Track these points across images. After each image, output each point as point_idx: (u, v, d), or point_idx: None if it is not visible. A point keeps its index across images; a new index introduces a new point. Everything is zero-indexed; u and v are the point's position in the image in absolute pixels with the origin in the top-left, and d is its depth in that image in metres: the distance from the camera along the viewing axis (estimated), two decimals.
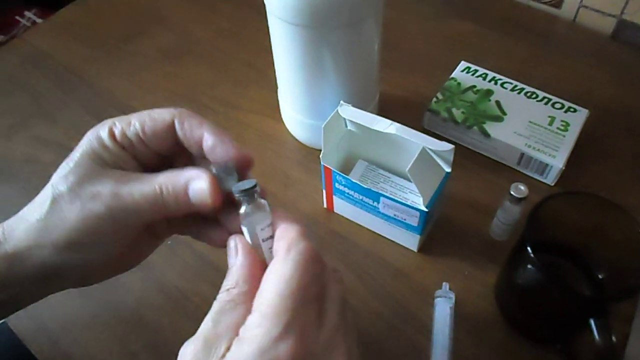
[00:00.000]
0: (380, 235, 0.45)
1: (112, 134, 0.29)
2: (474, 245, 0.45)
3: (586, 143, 0.51)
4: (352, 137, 0.44)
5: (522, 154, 0.47)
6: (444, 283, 0.41)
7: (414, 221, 0.40)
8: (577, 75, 0.58)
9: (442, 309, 0.40)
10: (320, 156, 0.41)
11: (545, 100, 0.50)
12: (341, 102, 0.41)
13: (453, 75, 0.53)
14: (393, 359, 0.39)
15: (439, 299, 0.40)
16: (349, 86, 0.44)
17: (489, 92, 0.51)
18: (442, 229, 0.45)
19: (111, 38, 0.63)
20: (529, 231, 0.34)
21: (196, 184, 0.28)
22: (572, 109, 0.50)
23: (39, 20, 0.91)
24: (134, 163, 0.30)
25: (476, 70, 0.53)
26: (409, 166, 0.37)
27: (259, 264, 0.27)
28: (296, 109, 0.48)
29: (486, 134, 0.48)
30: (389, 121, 0.39)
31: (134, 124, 0.29)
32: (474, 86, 0.52)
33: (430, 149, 0.39)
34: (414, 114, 0.52)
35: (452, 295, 0.40)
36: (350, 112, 0.40)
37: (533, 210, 0.35)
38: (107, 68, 0.60)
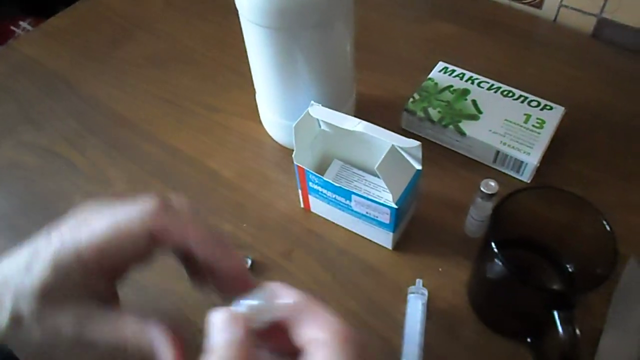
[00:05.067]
0: (355, 233, 0.45)
1: (80, 265, 0.26)
2: (449, 242, 0.45)
3: (564, 141, 0.51)
4: (326, 137, 0.44)
5: (498, 152, 0.48)
6: (417, 280, 0.42)
7: (386, 218, 0.41)
8: (557, 74, 0.58)
9: (414, 305, 0.40)
10: (293, 155, 0.42)
11: (522, 98, 0.51)
12: (312, 102, 0.41)
13: (430, 75, 0.53)
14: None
15: (411, 295, 0.41)
16: (322, 87, 0.45)
17: (466, 92, 0.51)
18: (417, 226, 0.46)
19: (99, 45, 0.64)
20: (493, 226, 0.35)
21: (163, 351, 0.26)
22: (548, 107, 0.50)
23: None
24: (102, 281, 0.28)
25: (453, 71, 0.54)
26: (378, 164, 0.38)
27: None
28: (272, 110, 0.48)
29: (462, 133, 0.48)
30: (357, 120, 0.40)
31: (103, 249, 0.26)
32: (451, 86, 0.52)
33: (400, 147, 0.39)
34: (393, 114, 0.53)
35: (425, 292, 0.41)
36: (320, 112, 0.41)
37: (497, 206, 0.36)
38: (93, 74, 0.61)
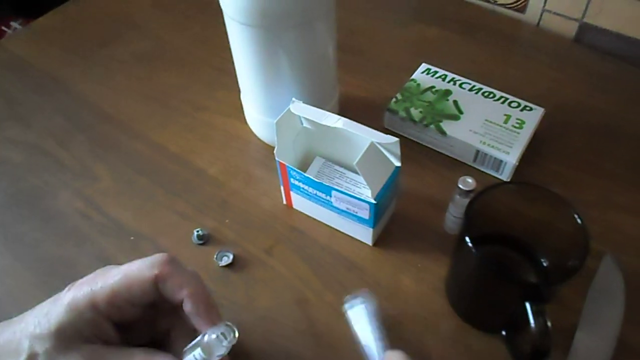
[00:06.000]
0: (336, 230, 0.46)
1: (93, 307, 0.30)
2: (429, 239, 0.46)
3: (544, 141, 0.52)
4: (308, 135, 0.45)
5: (478, 151, 0.48)
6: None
7: (365, 214, 0.41)
8: (539, 77, 0.59)
9: (355, 315, 0.36)
10: (275, 152, 0.42)
11: (502, 99, 0.52)
12: (293, 99, 0.42)
13: (413, 76, 0.54)
14: (343, 348, 0.40)
15: (350, 310, 0.36)
16: (304, 85, 0.46)
17: (448, 92, 0.52)
18: (398, 223, 0.47)
19: (87, 44, 0.65)
20: (467, 221, 0.35)
21: None
22: (528, 108, 0.51)
23: None
24: (111, 326, 0.31)
25: (436, 72, 0.55)
26: (357, 160, 0.38)
27: None
28: (256, 108, 0.49)
29: (443, 132, 0.49)
30: (337, 116, 0.41)
31: (115, 291, 0.30)
32: (433, 87, 0.53)
33: (379, 144, 0.40)
34: (376, 114, 0.54)
35: (366, 300, 0.36)
36: (301, 109, 0.42)
37: (471, 201, 0.36)
38: (82, 72, 0.61)
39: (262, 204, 0.48)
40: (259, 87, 0.46)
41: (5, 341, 0.30)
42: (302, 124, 0.44)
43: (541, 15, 0.66)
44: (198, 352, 0.30)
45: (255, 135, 0.53)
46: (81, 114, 0.57)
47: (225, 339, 0.30)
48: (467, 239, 0.34)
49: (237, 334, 0.31)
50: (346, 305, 0.36)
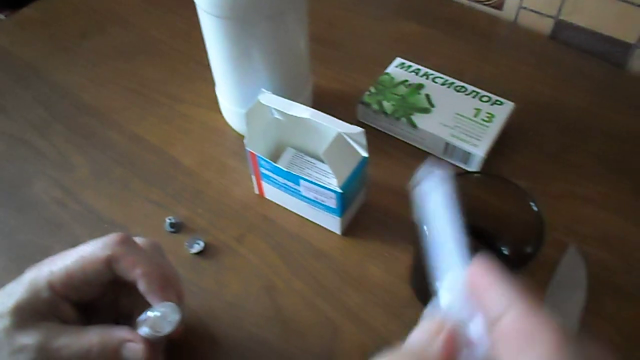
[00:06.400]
0: (306, 219, 0.47)
1: (51, 287, 0.31)
2: (398, 229, 0.47)
3: (514, 135, 0.53)
4: (279, 125, 0.46)
5: (447, 144, 0.49)
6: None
7: (332, 203, 0.42)
8: (513, 72, 0.60)
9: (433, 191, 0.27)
10: (245, 141, 0.43)
11: (474, 93, 0.53)
12: (262, 89, 0.43)
13: (387, 70, 0.55)
14: (309, 334, 0.41)
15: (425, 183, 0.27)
16: (275, 77, 0.47)
17: (420, 86, 0.53)
18: (367, 214, 0.48)
19: (70, 36, 0.66)
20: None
21: (131, 347, 0.31)
22: (498, 102, 0.52)
23: None
24: (70, 306, 0.32)
25: (410, 66, 0.55)
26: (324, 150, 0.39)
27: None
28: (229, 99, 0.50)
29: (413, 125, 0.50)
30: (305, 107, 0.42)
31: (70, 272, 0.31)
32: (406, 80, 0.54)
33: (345, 134, 0.41)
34: (350, 106, 0.55)
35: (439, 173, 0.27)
36: (270, 99, 0.43)
37: None
38: (63, 64, 0.62)
39: (234, 194, 0.49)
40: (232, 78, 0.47)
41: None
42: (273, 114, 0.45)
43: (518, 12, 0.66)
44: (142, 328, 0.31)
45: (230, 127, 0.54)
46: (61, 104, 0.58)
47: (166, 318, 0.31)
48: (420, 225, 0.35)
49: (179, 315, 0.31)
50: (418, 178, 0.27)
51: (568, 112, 0.56)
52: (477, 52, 0.63)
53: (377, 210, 0.48)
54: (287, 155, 0.47)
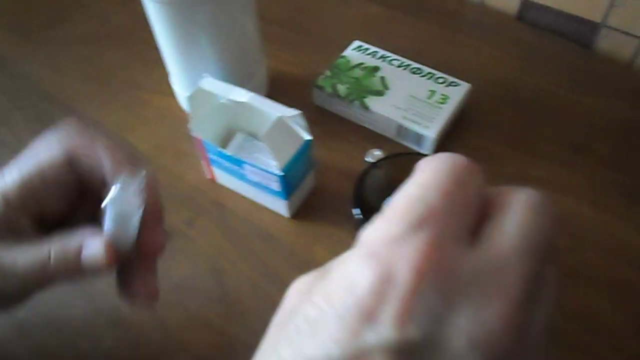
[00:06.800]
0: (257, 203, 0.47)
1: (4, 200, 0.26)
2: (347, 211, 0.47)
3: (472, 116, 0.53)
4: (227, 110, 0.46)
5: (400, 126, 0.49)
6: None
7: (276, 186, 0.43)
8: (476, 54, 0.60)
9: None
10: (189, 126, 0.44)
11: (429, 75, 0.52)
12: (204, 74, 0.43)
13: (344, 53, 0.55)
14: (253, 315, 0.41)
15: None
16: (223, 61, 0.47)
17: (376, 69, 0.53)
18: (318, 196, 0.48)
19: (34, 25, 0.66)
20: (355, 193, 0.37)
21: (90, 246, 0.26)
22: (454, 84, 0.52)
23: None
24: (30, 222, 0.27)
25: (367, 49, 0.55)
26: (264, 133, 0.39)
27: None
28: (181, 85, 0.50)
29: (366, 108, 0.50)
30: (244, 91, 0.42)
31: (25, 181, 0.26)
32: (362, 63, 0.54)
33: (287, 118, 0.41)
34: (307, 90, 0.55)
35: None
36: (210, 84, 0.43)
37: (360, 175, 0.37)
38: (27, 53, 0.63)
39: (187, 179, 0.50)
40: (180, 64, 0.47)
41: None
42: (219, 99, 0.45)
43: None
44: (105, 223, 0.26)
45: (186, 112, 0.54)
46: (22, 93, 0.58)
47: (132, 205, 0.26)
48: (354, 211, 0.36)
49: (145, 173, 0.27)
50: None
51: (528, 93, 0.56)
52: (442, 33, 0.62)
53: (328, 193, 0.48)
54: (237, 139, 0.47)
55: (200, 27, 0.43)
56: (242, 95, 0.41)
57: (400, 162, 0.39)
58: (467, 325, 0.15)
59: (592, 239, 0.45)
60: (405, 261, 0.16)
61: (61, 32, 0.65)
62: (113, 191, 0.26)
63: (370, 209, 0.36)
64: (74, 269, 0.26)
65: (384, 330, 0.15)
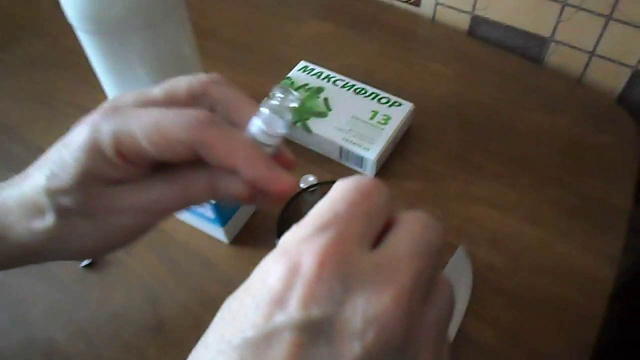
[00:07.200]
0: (196, 229, 0.47)
1: (119, 154, 0.25)
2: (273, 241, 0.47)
3: (416, 136, 0.53)
4: None
5: (341, 148, 0.49)
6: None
7: (210, 214, 0.42)
8: (424, 72, 0.60)
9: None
10: None
11: (373, 95, 0.53)
12: None
13: (289, 74, 0.55)
14: (191, 343, 0.41)
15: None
16: None
17: (320, 90, 0.53)
18: (260, 221, 0.48)
19: None
20: (279, 225, 0.36)
21: (231, 187, 0.26)
22: (397, 104, 0.52)
23: None
24: (144, 173, 0.27)
25: (313, 70, 0.55)
26: None
27: None
28: None
29: (309, 130, 0.50)
30: None
31: (141, 147, 0.25)
32: (307, 84, 0.54)
33: None
34: None
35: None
36: None
37: (285, 205, 0.37)
38: None
39: None
40: (117, 91, 0.47)
41: (16, 202, 0.27)
42: None
43: (435, 8, 0.66)
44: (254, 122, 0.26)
45: None
46: None
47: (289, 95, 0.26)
48: (277, 242, 0.35)
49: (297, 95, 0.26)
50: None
51: (475, 111, 0.56)
52: (391, 51, 0.63)
53: (268, 217, 0.48)
54: None
55: (133, 54, 0.43)
56: None
57: (321, 192, 0.39)
58: (362, 306, 0.18)
59: (531, 259, 0.45)
60: (310, 254, 0.19)
61: (11, 54, 0.64)
62: (274, 99, 0.26)
63: None
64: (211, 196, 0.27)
65: (292, 312, 0.18)
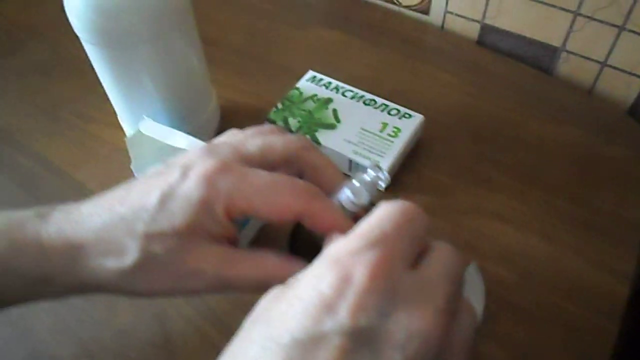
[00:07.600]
0: None
1: (227, 213, 0.26)
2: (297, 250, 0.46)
3: (427, 148, 0.53)
4: (170, 151, 0.45)
5: (351, 161, 0.49)
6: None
7: None
8: (434, 81, 0.59)
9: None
10: (132, 166, 0.43)
11: (383, 107, 0.52)
12: (143, 116, 0.42)
13: (298, 84, 0.54)
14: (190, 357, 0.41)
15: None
16: (169, 98, 0.46)
17: (328, 101, 0.52)
18: (270, 233, 0.47)
19: None
20: (290, 242, 0.36)
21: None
22: (407, 115, 0.51)
23: None
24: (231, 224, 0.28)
25: (321, 79, 0.54)
26: None
27: None
28: (127, 122, 0.49)
29: (317, 142, 0.49)
30: (184, 135, 0.41)
31: (252, 210, 0.26)
32: (315, 95, 0.53)
33: None
34: (260, 123, 0.53)
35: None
36: (149, 127, 0.42)
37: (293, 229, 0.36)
38: None
39: None
40: (124, 103, 0.46)
41: (101, 238, 0.27)
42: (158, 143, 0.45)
43: (444, 17, 0.65)
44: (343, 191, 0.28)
45: None
46: None
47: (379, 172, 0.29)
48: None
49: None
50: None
51: (484, 121, 0.55)
52: (400, 60, 0.62)
53: (278, 230, 0.47)
54: None
55: (140, 66, 0.42)
56: (181, 140, 0.41)
57: None
58: (405, 320, 0.20)
59: (542, 274, 0.44)
60: (362, 267, 0.21)
61: (14, 61, 0.64)
62: (367, 174, 0.29)
63: (309, 247, 0.36)
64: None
65: (341, 319, 0.19)
